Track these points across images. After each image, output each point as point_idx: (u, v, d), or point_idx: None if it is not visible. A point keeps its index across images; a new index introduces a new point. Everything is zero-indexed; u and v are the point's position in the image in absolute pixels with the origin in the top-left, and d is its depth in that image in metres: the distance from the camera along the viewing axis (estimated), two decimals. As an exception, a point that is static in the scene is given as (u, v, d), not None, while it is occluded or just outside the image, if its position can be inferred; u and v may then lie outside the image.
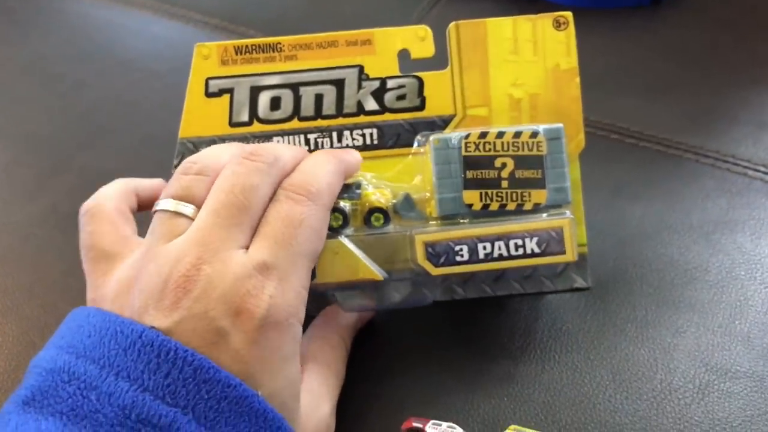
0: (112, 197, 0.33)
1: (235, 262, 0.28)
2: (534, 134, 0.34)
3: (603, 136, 0.46)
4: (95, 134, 0.50)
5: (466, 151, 0.34)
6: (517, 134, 0.34)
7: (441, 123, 0.36)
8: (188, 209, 0.30)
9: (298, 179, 0.31)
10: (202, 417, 0.25)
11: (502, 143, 0.34)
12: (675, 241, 0.39)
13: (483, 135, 0.34)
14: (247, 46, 0.36)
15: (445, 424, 0.31)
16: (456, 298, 0.35)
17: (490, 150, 0.34)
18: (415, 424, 0.31)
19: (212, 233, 0.29)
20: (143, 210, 0.34)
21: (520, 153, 0.34)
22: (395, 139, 0.36)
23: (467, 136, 0.34)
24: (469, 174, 0.34)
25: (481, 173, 0.34)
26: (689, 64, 0.51)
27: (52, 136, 0.50)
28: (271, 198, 0.30)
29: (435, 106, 0.36)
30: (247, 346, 0.27)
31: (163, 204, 0.30)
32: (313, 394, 0.31)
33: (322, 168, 0.32)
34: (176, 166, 0.36)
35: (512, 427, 0.30)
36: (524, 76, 0.36)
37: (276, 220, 0.29)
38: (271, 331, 0.28)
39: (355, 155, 0.35)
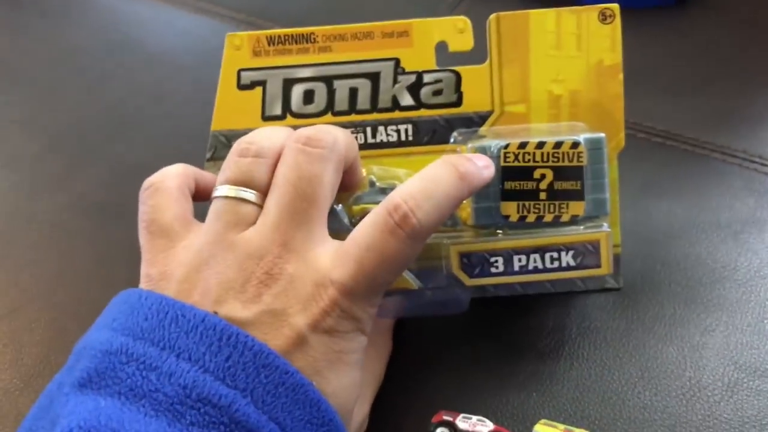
0: (176, 176, 0.32)
1: (316, 267, 0.28)
2: (575, 144, 0.33)
3: (630, 135, 0.46)
4: (123, 126, 0.50)
5: (504, 161, 0.33)
6: (558, 144, 0.33)
7: (478, 119, 0.35)
8: (252, 195, 0.29)
9: (405, 204, 0.28)
10: (260, 400, 0.26)
11: (542, 154, 0.33)
12: (703, 241, 0.39)
13: (523, 145, 0.33)
14: (280, 36, 0.35)
15: (475, 418, 0.31)
16: (487, 295, 0.35)
17: (529, 161, 0.33)
18: (445, 417, 0.31)
19: (290, 230, 0.29)
20: (198, 200, 0.33)
21: (559, 164, 0.33)
22: (431, 135, 0.35)
23: (507, 146, 0.33)
24: (507, 185, 0.33)
25: (520, 184, 0.33)
26: (715, 64, 0.51)
27: (80, 128, 0.50)
28: (335, 185, 0.30)
29: (472, 102, 0.35)
30: (319, 347, 0.28)
31: (224, 190, 0.30)
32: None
33: (439, 199, 0.29)
34: (209, 159, 0.36)
35: (542, 421, 0.31)
36: (566, 71, 0.35)
37: (373, 251, 0.28)
38: (340, 337, 0.28)
39: (489, 169, 0.32)
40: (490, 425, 0.31)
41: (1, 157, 0.49)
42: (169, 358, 0.26)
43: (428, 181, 0.30)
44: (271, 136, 0.31)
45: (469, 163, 0.31)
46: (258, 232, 0.29)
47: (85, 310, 0.39)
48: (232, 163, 0.30)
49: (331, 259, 0.29)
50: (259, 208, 0.29)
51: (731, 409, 0.32)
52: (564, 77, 0.35)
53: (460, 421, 0.31)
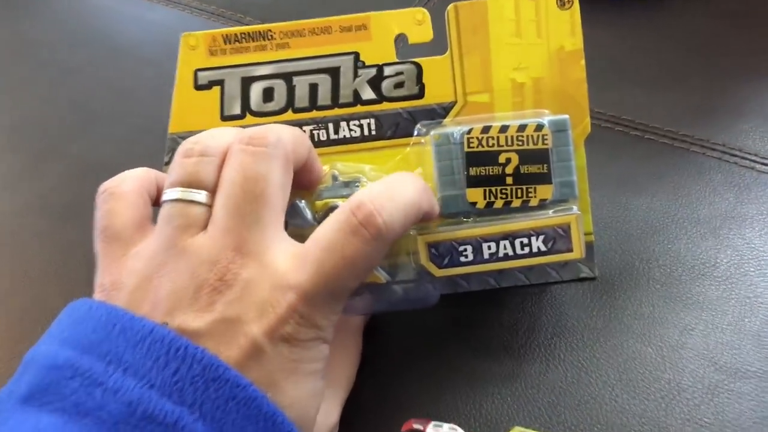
0: (134, 179, 0.30)
1: (272, 271, 0.27)
2: (539, 127, 0.33)
3: (608, 128, 0.45)
4: (86, 122, 0.49)
5: (468, 147, 0.33)
6: (522, 128, 0.33)
7: (441, 111, 0.34)
8: (200, 196, 0.28)
9: (370, 207, 0.28)
10: (209, 416, 0.24)
11: (506, 137, 0.33)
12: (682, 236, 0.38)
13: (486, 129, 0.33)
14: (236, 34, 0.35)
15: (446, 426, 0.30)
16: (460, 291, 0.34)
17: (493, 145, 0.33)
18: (415, 426, 0.30)
19: (242, 233, 0.27)
20: (158, 205, 0.32)
21: (524, 147, 0.33)
22: (394, 128, 0.35)
23: (469, 131, 0.33)
24: (472, 171, 0.33)
25: (485, 170, 0.33)
26: (695, 56, 0.50)
27: (41, 124, 0.49)
28: (285, 184, 0.29)
29: (434, 94, 0.34)
30: (275, 357, 0.26)
31: (171, 193, 0.28)
32: (324, 404, 0.30)
33: (404, 202, 0.29)
34: (167, 164, 0.35)
35: (516, 428, 0.29)
36: (527, 59, 0.34)
37: (334, 253, 0.27)
38: (299, 346, 0.27)
39: (435, 204, 0.32)
40: (461, 433, 0.30)
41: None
42: (115, 373, 0.24)
43: (393, 185, 0.29)
44: (215, 135, 0.30)
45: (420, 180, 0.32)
46: (210, 237, 0.27)
47: (43, 315, 0.37)
48: (177, 164, 0.29)
49: (289, 261, 0.27)
50: (209, 209, 0.28)
51: (711, 413, 0.31)
52: (526, 65, 0.34)
53: (431, 429, 0.29)
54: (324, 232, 0.28)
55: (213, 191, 0.28)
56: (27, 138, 0.48)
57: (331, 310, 0.28)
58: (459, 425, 0.30)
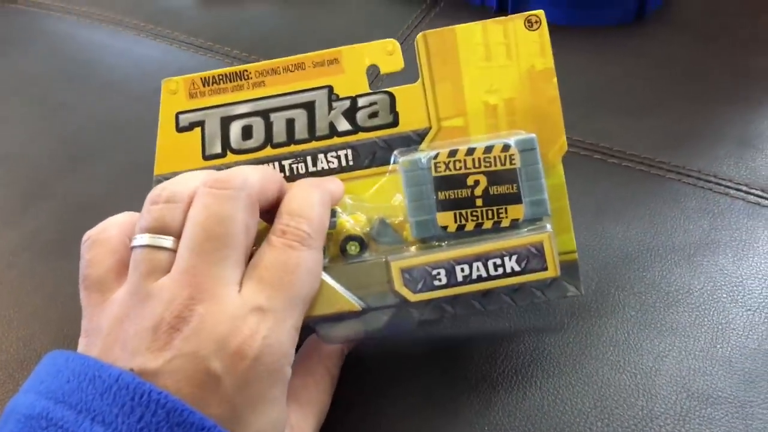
0: (117, 226, 0.31)
1: (229, 302, 0.28)
2: (506, 147, 0.33)
3: (586, 156, 0.46)
4: (75, 159, 0.48)
5: (436, 171, 0.33)
6: (488, 149, 0.33)
7: (416, 138, 0.35)
8: (166, 241, 0.29)
9: (292, 223, 0.30)
10: None
11: (473, 160, 0.33)
12: (657, 264, 0.39)
13: (452, 153, 0.33)
14: (214, 76, 0.36)
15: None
16: (446, 316, 0.34)
17: (460, 168, 0.33)
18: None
19: (201, 271, 0.28)
20: None
21: (492, 168, 0.33)
22: (371, 158, 0.35)
23: (436, 156, 0.33)
24: (441, 195, 0.33)
25: (454, 193, 0.33)
26: (672, 82, 0.51)
27: (32, 160, 0.49)
28: (250, 225, 0.30)
29: (409, 121, 0.35)
30: (236, 388, 0.27)
31: (139, 239, 0.29)
32: (293, 430, 0.30)
33: (311, 206, 0.31)
34: None
35: (491, 457, 0.30)
36: (499, 81, 0.35)
37: (273, 266, 0.29)
38: (263, 373, 0.27)
39: (338, 184, 0.34)
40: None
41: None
42: (84, 422, 0.25)
43: (303, 200, 0.32)
44: (182, 180, 0.31)
45: (333, 182, 0.34)
46: (170, 278, 0.28)
47: (30, 355, 0.38)
48: (145, 211, 0.30)
49: (244, 291, 0.28)
50: (175, 253, 0.29)
51: (684, 440, 0.32)
52: (497, 87, 0.35)
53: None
54: (261, 257, 0.30)
55: (179, 235, 0.29)
56: (17, 174, 0.48)
57: (290, 325, 0.29)
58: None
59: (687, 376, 0.34)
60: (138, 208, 0.32)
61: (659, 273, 0.38)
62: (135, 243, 0.30)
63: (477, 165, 0.33)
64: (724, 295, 0.37)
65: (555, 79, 0.35)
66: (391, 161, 0.35)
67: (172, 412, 0.25)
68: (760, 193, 0.43)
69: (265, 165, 0.35)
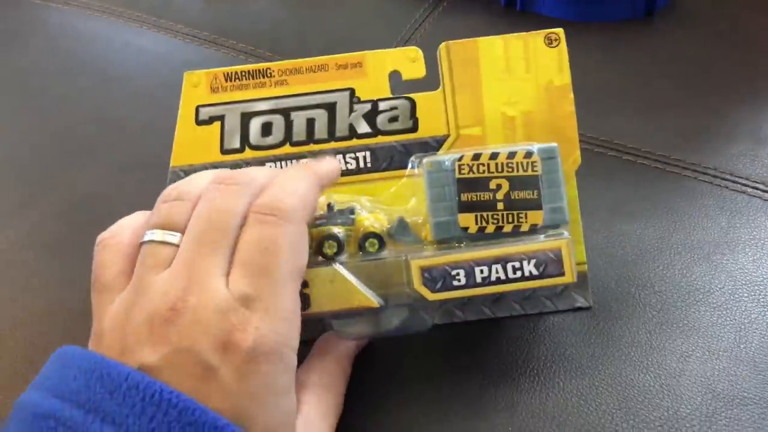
0: (130, 229, 0.31)
1: (217, 293, 0.27)
2: (528, 154, 0.33)
3: (600, 153, 0.46)
4: (78, 153, 0.47)
5: (459, 173, 0.34)
6: (512, 155, 0.33)
7: (434, 144, 0.36)
8: (172, 237, 0.29)
9: (268, 199, 0.29)
10: None
11: (497, 164, 0.33)
12: (676, 262, 0.39)
13: (476, 157, 0.34)
14: (236, 72, 0.36)
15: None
16: (456, 320, 0.34)
17: (484, 172, 0.33)
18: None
19: (195, 262, 0.28)
20: None
21: (515, 174, 0.33)
22: (389, 161, 0.36)
23: (460, 158, 0.34)
24: (464, 197, 0.33)
25: (476, 195, 0.33)
26: (685, 78, 0.50)
27: (33, 155, 0.48)
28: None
29: (428, 127, 0.36)
30: (236, 381, 0.26)
31: (148, 235, 0.30)
32: (309, 426, 0.30)
33: (293, 183, 0.31)
34: None
35: (517, 459, 0.30)
36: (517, 94, 0.36)
37: (250, 247, 0.28)
38: (262, 363, 0.27)
39: (332, 163, 0.34)
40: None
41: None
42: (94, 423, 0.25)
43: (280, 178, 0.31)
44: (193, 180, 0.31)
45: (317, 162, 0.33)
46: (169, 270, 0.28)
47: (37, 353, 0.37)
48: (155, 209, 0.30)
49: (230, 281, 0.28)
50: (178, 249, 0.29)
51: (711, 441, 0.31)
52: (516, 99, 0.36)
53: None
54: (244, 238, 0.29)
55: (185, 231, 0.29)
56: (18, 170, 0.47)
57: (282, 307, 0.28)
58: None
59: (712, 377, 0.33)
60: (140, 202, 0.32)
61: (679, 271, 0.38)
62: (143, 238, 0.30)
63: (500, 169, 0.33)
64: (746, 295, 0.37)
65: (571, 95, 0.36)
66: (408, 166, 0.36)
67: (184, 411, 0.25)
68: (776, 190, 0.42)
69: (276, 167, 0.35)
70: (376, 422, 0.33)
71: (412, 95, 0.36)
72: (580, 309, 0.34)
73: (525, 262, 0.32)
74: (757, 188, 0.43)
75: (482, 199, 0.33)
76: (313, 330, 0.34)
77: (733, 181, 0.43)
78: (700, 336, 0.35)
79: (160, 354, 0.26)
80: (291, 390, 0.28)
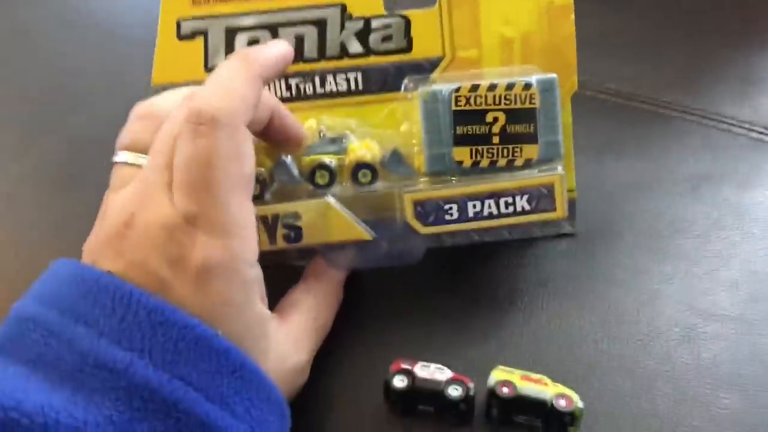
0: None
1: (162, 210, 0.27)
2: (527, 86, 0.33)
3: (591, 96, 0.46)
4: (79, 100, 0.49)
5: (456, 105, 0.33)
6: (510, 86, 0.33)
7: (428, 66, 0.35)
8: (135, 158, 0.30)
9: (199, 103, 0.28)
10: (160, 359, 0.25)
11: (494, 96, 0.33)
12: (662, 194, 0.39)
13: (474, 88, 0.33)
14: None
15: (433, 366, 0.31)
16: (444, 245, 0.34)
17: (481, 104, 0.33)
18: (403, 366, 0.31)
19: (149, 181, 0.28)
20: None
21: (512, 106, 0.33)
22: (381, 83, 0.35)
23: (458, 90, 0.33)
24: (459, 130, 0.33)
25: (472, 129, 0.33)
26: (676, 27, 0.51)
27: (35, 101, 0.50)
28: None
29: (422, 48, 0.34)
30: (191, 295, 0.27)
31: (116, 156, 0.31)
32: (292, 341, 0.31)
33: (227, 82, 0.29)
34: None
35: (499, 368, 0.31)
36: (516, 13, 0.34)
37: (184, 162, 0.27)
38: (213, 280, 0.27)
39: (277, 47, 0.32)
40: (449, 373, 0.30)
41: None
42: (69, 324, 0.25)
43: (213, 76, 0.29)
44: (165, 96, 0.31)
45: (251, 49, 0.31)
46: (128, 188, 0.29)
47: (40, 270, 0.38)
48: (126, 126, 0.31)
49: (174, 199, 0.28)
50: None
51: (688, 353, 0.32)
52: (515, 19, 0.34)
53: (419, 369, 0.30)
54: (177, 153, 0.28)
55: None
56: (21, 114, 0.49)
57: (234, 217, 0.28)
58: (445, 366, 0.31)
59: (692, 296, 0.35)
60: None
61: (664, 203, 0.39)
62: (113, 159, 0.31)
63: (497, 102, 0.33)
64: (728, 223, 0.38)
65: (573, 16, 0.34)
66: (402, 88, 0.35)
67: (154, 311, 0.25)
68: (762, 130, 0.43)
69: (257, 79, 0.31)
70: (365, 341, 0.34)
71: (406, 12, 0.34)
72: (565, 235, 0.35)
73: (518, 197, 0.33)
74: (742, 127, 0.43)
75: (478, 132, 0.33)
76: (308, 257, 0.34)
77: (720, 121, 0.44)
78: (681, 260, 0.36)
79: (119, 266, 0.27)
80: (251, 302, 0.28)
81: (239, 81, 0.29)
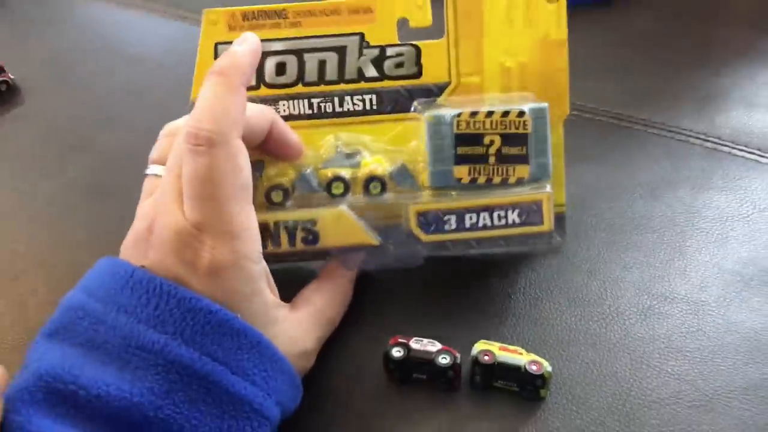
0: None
1: (175, 219, 0.31)
2: (521, 113, 0.36)
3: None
4: (110, 119, 0.55)
5: (457, 128, 0.36)
6: (505, 113, 0.36)
7: (436, 90, 0.38)
8: (159, 169, 0.36)
9: (192, 128, 0.31)
10: (190, 340, 0.30)
11: (491, 122, 0.36)
12: (624, 196, 0.45)
13: (473, 114, 0.36)
14: (254, 12, 0.38)
15: (425, 340, 0.36)
16: (444, 254, 0.38)
17: (479, 128, 0.36)
18: (400, 340, 0.35)
19: (165, 191, 0.32)
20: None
21: (507, 131, 0.36)
22: (393, 104, 0.39)
23: (459, 115, 0.36)
24: (460, 150, 0.36)
25: (471, 149, 0.36)
26: (640, 51, 0.57)
27: (70, 121, 0.55)
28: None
29: (431, 74, 0.38)
30: (205, 289, 0.31)
31: (148, 169, 0.37)
32: (301, 329, 0.35)
33: (211, 104, 0.32)
34: None
35: (481, 341, 0.36)
36: (516, 45, 0.38)
37: (188, 179, 0.31)
38: (223, 276, 0.31)
39: (241, 49, 0.34)
40: (439, 345, 0.35)
41: (2, 149, 0.54)
42: (111, 313, 0.30)
43: (200, 101, 0.32)
44: (183, 119, 0.36)
45: (224, 59, 0.33)
46: (152, 197, 0.35)
47: (80, 275, 0.43)
48: (155, 144, 0.37)
49: (184, 210, 0.32)
50: None
51: (644, 330, 0.38)
52: (514, 50, 0.38)
53: (413, 343, 0.35)
54: (184, 169, 0.32)
55: None
56: (59, 133, 0.54)
57: (238, 222, 0.31)
58: (436, 340, 0.36)
59: (648, 281, 0.40)
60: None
61: (626, 203, 0.45)
62: (145, 172, 0.37)
63: (494, 126, 0.36)
64: (682, 220, 0.43)
65: (566, 51, 0.38)
66: (411, 109, 0.39)
67: (182, 300, 0.30)
68: (715, 140, 0.49)
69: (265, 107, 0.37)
70: (367, 321, 0.39)
71: (417, 42, 0.38)
72: (555, 247, 0.39)
73: (509, 211, 0.37)
74: (698, 138, 0.49)
75: (476, 152, 0.36)
76: (322, 258, 0.38)
77: (678, 133, 0.50)
78: (640, 252, 0.42)
79: (146, 263, 0.32)
80: (259, 293, 0.32)
81: (222, 97, 0.32)
